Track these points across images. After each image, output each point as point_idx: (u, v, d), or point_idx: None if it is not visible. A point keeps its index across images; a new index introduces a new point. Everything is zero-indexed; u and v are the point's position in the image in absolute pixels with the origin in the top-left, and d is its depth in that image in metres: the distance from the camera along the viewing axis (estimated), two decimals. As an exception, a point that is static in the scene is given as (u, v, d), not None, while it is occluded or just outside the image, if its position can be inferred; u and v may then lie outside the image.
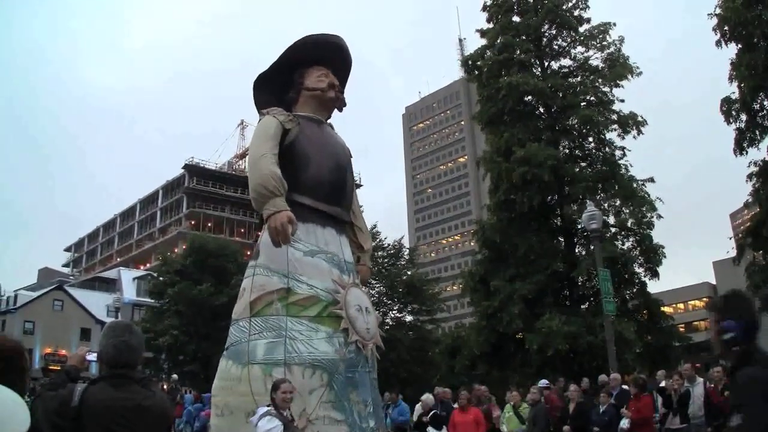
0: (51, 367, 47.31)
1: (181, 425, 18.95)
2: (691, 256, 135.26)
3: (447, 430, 13.60)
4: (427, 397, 14.95)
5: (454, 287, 76.99)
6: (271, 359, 7.86)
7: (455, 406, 14.37)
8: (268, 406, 6.60)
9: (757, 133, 25.69)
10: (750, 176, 26.12)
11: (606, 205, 27.68)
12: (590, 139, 30.12)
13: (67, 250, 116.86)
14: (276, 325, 8.01)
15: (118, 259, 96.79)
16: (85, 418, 3.39)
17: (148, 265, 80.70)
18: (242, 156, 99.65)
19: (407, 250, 45.42)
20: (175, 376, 28.93)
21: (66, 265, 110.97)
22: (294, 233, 7.90)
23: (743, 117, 25.89)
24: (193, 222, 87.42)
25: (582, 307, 27.76)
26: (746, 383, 3.21)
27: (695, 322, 61.11)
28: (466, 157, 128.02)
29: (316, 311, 8.15)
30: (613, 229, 28.10)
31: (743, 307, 3.39)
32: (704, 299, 66.19)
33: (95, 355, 3.92)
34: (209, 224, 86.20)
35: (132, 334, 3.77)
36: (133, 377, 3.67)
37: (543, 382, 13.58)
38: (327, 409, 7.64)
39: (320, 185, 8.71)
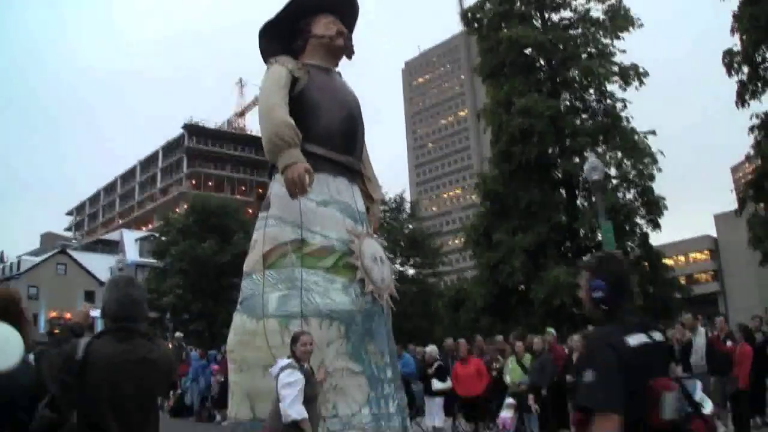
0: (56, 331, 47.34)
1: (188, 383, 19.05)
2: (692, 210, 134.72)
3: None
4: (432, 349, 15.01)
5: (456, 241, 77.10)
6: (287, 312, 7.75)
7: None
8: (288, 358, 6.49)
9: (759, 85, 25.59)
10: (752, 129, 26.05)
11: (607, 157, 27.51)
12: (591, 91, 29.81)
13: (69, 213, 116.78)
14: (291, 277, 7.87)
15: (120, 221, 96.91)
16: (90, 372, 3.39)
17: (150, 226, 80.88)
18: (241, 114, 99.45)
19: (408, 204, 45.51)
20: (179, 334, 29.09)
21: (68, 229, 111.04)
22: (311, 184, 7.72)
23: (745, 69, 25.81)
24: (193, 181, 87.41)
25: (584, 259, 27.79)
26: (593, 341, 3.33)
27: (696, 275, 61.44)
28: (466, 111, 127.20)
29: (332, 262, 8.03)
30: (614, 181, 28.02)
31: (613, 269, 3.43)
32: (705, 252, 66.44)
33: (99, 311, 3.92)
34: (210, 183, 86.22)
35: (135, 288, 3.78)
36: (137, 330, 3.65)
37: (552, 331, 13.59)
38: (345, 361, 7.58)
39: (332, 134, 8.53)
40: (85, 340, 3.54)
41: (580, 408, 3.21)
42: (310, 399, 6.32)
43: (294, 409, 6.02)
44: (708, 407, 3.47)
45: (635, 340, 3.12)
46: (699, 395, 3.42)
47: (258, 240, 8.42)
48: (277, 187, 8.33)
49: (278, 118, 7.82)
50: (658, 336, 3.28)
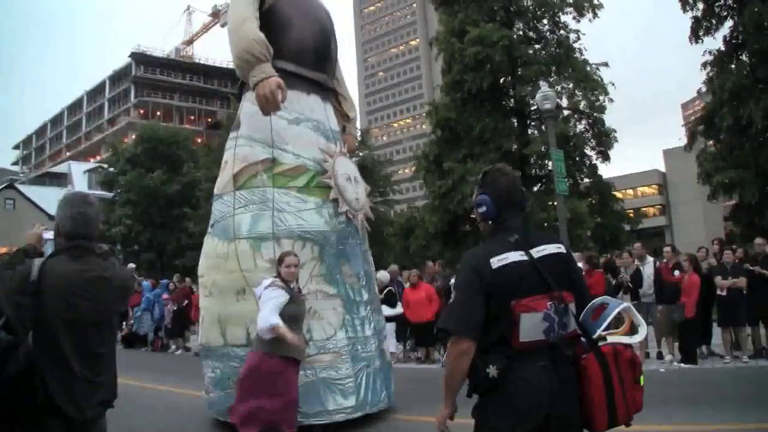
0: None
1: (139, 312, 18.90)
2: (641, 146, 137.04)
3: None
4: (382, 274, 15.04)
5: (406, 170, 77.31)
6: (259, 233, 7.68)
7: (407, 285, 14.45)
8: (274, 278, 6.31)
9: (713, 22, 25.84)
10: (704, 65, 26.35)
11: (559, 87, 27.63)
12: (545, 21, 29.82)
13: (16, 147, 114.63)
14: (262, 198, 7.80)
15: (68, 153, 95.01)
16: (46, 292, 3.30)
17: (98, 157, 79.40)
18: (189, 42, 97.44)
19: (359, 133, 45.16)
20: (132, 265, 28.85)
21: (15, 163, 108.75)
22: (284, 100, 7.58)
23: (700, 5, 26.12)
24: (141, 111, 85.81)
25: (533, 189, 28.05)
26: (462, 262, 3.22)
27: (644, 208, 62.46)
28: (418, 40, 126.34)
29: (304, 181, 7.96)
30: (566, 112, 28.23)
31: (498, 183, 3.29)
32: (654, 186, 67.49)
33: (51, 233, 3.80)
34: (158, 113, 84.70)
35: (89, 205, 3.64)
36: (92, 249, 3.57)
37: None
38: (319, 283, 7.53)
39: (304, 50, 8.37)
40: (40, 260, 3.45)
41: (441, 329, 3.11)
42: (295, 320, 6.19)
43: (270, 317, 5.82)
44: (642, 333, 3.39)
45: (500, 260, 3.04)
46: (636, 318, 3.34)
47: (228, 161, 8.30)
48: (247, 106, 8.20)
49: (248, 33, 7.59)
50: (541, 252, 3.14)
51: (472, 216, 27.55)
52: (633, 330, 3.34)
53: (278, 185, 7.83)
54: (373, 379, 7.95)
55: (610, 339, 3.19)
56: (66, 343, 3.34)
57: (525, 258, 3.09)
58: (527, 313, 2.98)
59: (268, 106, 7.41)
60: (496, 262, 3.03)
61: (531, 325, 2.98)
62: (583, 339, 3.17)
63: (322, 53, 8.66)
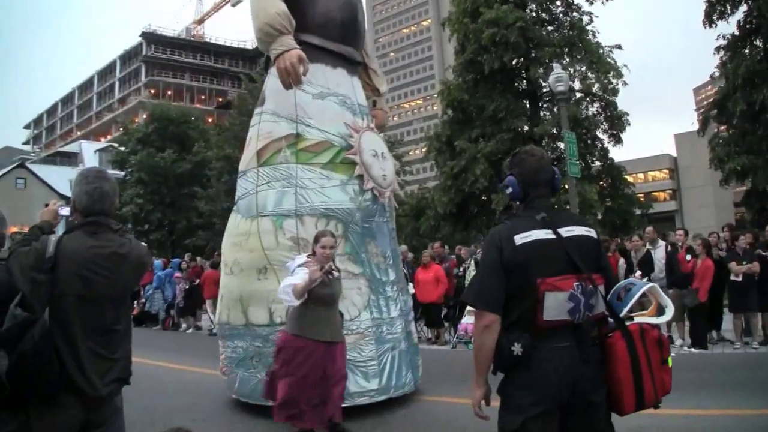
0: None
1: (150, 291, 18.99)
2: (652, 129, 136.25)
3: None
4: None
5: (416, 151, 77.04)
6: (281, 210, 7.52)
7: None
8: (308, 256, 6.07)
9: (728, 6, 25.57)
10: (718, 49, 26.12)
11: (572, 70, 27.44)
12: (557, 2, 29.53)
13: (27, 127, 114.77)
14: (285, 174, 7.64)
15: (79, 133, 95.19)
16: (62, 268, 3.28)
17: (108, 136, 79.60)
18: (200, 22, 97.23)
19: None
20: (143, 244, 28.93)
21: (26, 143, 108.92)
22: (305, 73, 7.41)
23: (715, -11, 25.68)
24: (152, 91, 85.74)
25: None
26: (486, 239, 3.28)
27: (654, 193, 62.13)
28: (429, 20, 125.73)
29: (328, 157, 7.78)
30: (578, 95, 28.07)
31: (525, 164, 3.34)
32: (665, 171, 67.06)
33: (67, 210, 3.78)
34: (169, 92, 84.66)
35: (105, 181, 3.61)
36: (108, 225, 3.54)
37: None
38: (343, 262, 7.24)
39: (330, 23, 8.15)
40: (55, 236, 3.43)
41: (464, 302, 3.25)
42: (330, 302, 6.00)
43: (285, 290, 5.68)
44: (669, 313, 3.38)
45: (524, 237, 3.07)
46: (663, 300, 3.35)
47: (252, 137, 8.14)
48: (272, 81, 7.98)
49: (270, 6, 7.44)
50: (570, 232, 3.17)
51: (483, 197, 27.59)
52: (660, 311, 3.37)
53: (302, 161, 7.68)
54: (399, 361, 7.78)
55: (637, 319, 3.22)
56: (81, 319, 3.33)
57: (552, 236, 3.10)
58: (552, 292, 2.98)
59: (289, 79, 7.25)
60: (519, 239, 3.06)
61: (555, 305, 2.99)
62: (609, 319, 3.19)
63: (349, 26, 8.42)
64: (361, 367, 7.32)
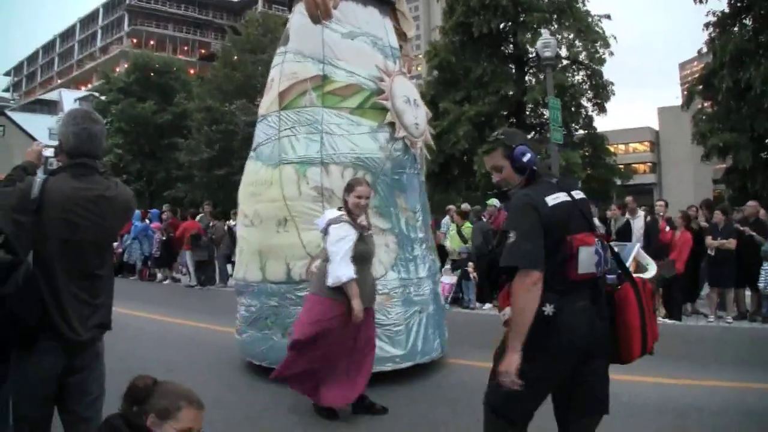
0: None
1: (129, 240, 18.91)
2: (635, 102, 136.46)
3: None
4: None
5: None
6: (305, 157, 7.00)
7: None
8: (339, 209, 5.59)
9: (719, -18, 25.48)
10: (707, 25, 26.05)
11: (560, 36, 27.34)
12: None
13: (6, 74, 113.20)
14: (310, 119, 7.13)
15: (59, 81, 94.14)
16: (47, 210, 3.19)
17: (89, 85, 78.60)
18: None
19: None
20: (128, 188, 28.73)
21: (6, 90, 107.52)
22: (336, 6, 6.98)
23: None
24: (135, 40, 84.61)
25: (528, 137, 27.92)
26: (516, 203, 3.34)
27: (634, 165, 62.44)
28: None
29: (358, 102, 7.24)
30: (565, 62, 28.02)
31: (521, 137, 3.56)
32: (646, 143, 67.30)
33: (51, 151, 3.69)
34: (152, 42, 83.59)
35: (94, 122, 3.50)
36: (95, 167, 3.46)
37: (496, 203, 13.55)
38: (371, 217, 6.55)
39: None
40: (41, 177, 3.34)
41: (503, 270, 3.28)
42: (364, 259, 5.54)
43: (342, 270, 5.24)
44: (651, 270, 3.56)
45: (554, 199, 3.25)
46: (644, 258, 3.51)
47: (274, 78, 7.61)
48: (297, 18, 7.54)
49: None
50: (578, 195, 3.41)
51: (464, 159, 27.57)
52: (642, 268, 3.56)
53: (328, 105, 7.13)
54: (426, 325, 7.24)
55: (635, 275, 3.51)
56: (65, 263, 3.27)
57: (569, 198, 3.33)
58: (584, 247, 3.20)
59: (317, 11, 6.76)
60: (551, 200, 3.24)
61: (587, 258, 3.20)
62: (608, 276, 3.45)
63: None
64: (386, 331, 6.79)
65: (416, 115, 7.59)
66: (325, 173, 6.87)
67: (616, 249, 3.61)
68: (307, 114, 7.13)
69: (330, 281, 5.28)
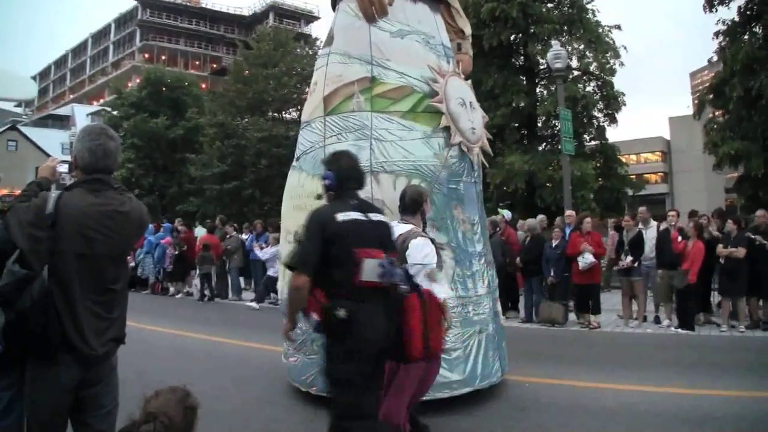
0: (5, 210, 46.50)
1: (141, 255, 18.94)
2: (647, 111, 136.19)
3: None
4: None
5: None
6: None
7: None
8: (402, 222, 5.03)
9: (729, -9, 25.48)
10: (717, 34, 26.03)
11: (570, 48, 27.29)
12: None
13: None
14: (359, 124, 6.62)
15: (71, 96, 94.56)
16: (61, 225, 3.24)
17: (101, 100, 79.02)
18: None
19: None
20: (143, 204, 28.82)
21: (18, 105, 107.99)
22: (392, 2, 6.66)
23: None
24: (146, 55, 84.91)
25: (539, 148, 27.90)
26: (311, 215, 4.06)
27: (646, 175, 62.26)
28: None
29: (409, 105, 6.70)
30: (575, 73, 27.96)
31: (342, 164, 4.30)
32: (658, 153, 67.09)
33: (66, 167, 3.72)
34: (163, 57, 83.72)
35: (109, 138, 3.54)
36: (109, 183, 3.51)
37: (507, 214, 13.52)
38: (429, 230, 6.01)
39: None
40: (56, 192, 3.36)
41: (286, 265, 4.27)
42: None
43: (446, 289, 4.94)
44: (441, 293, 4.46)
45: (345, 216, 3.96)
46: (424, 276, 4.36)
47: (318, 81, 7.15)
48: (342, 17, 7.15)
49: None
50: (375, 217, 4.16)
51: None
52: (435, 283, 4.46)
53: (378, 109, 6.64)
54: (486, 346, 6.68)
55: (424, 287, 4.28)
56: (80, 277, 3.30)
57: (364, 218, 4.06)
58: (369, 259, 3.85)
59: (372, 9, 6.55)
60: (341, 216, 3.96)
61: (371, 268, 3.85)
62: (402, 286, 4.06)
63: None
64: (443, 355, 5.66)
65: (472, 119, 7.14)
66: (375, 183, 6.33)
67: (407, 266, 4.28)
68: (354, 119, 6.68)
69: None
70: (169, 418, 2.51)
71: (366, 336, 3.81)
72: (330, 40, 7.23)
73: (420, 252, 4.72)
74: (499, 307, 7.67)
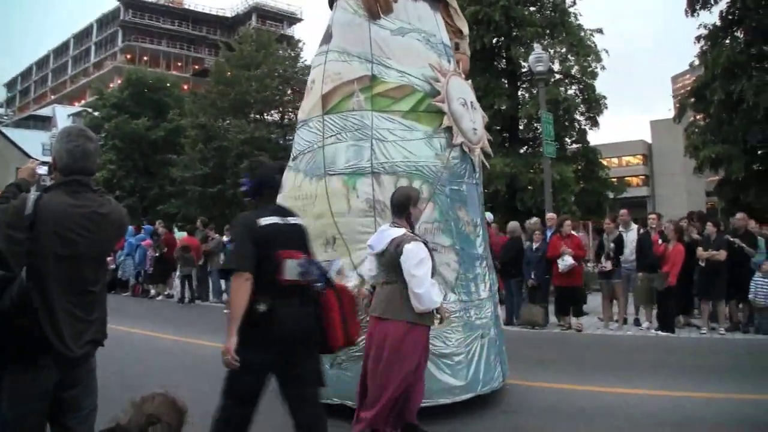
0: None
1: (122, 257, 18.86)
2: (628, 115, 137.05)
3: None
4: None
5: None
6: (355, 167, 6.34)
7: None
8: (394, 225, 5.06)
9: (711, -5, 25.65)
10: (698, 38, 26.20)
11: (552, 51, 27.36)
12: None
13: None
14: (358, 123, 6.47)
15: (53, 97, 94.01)
16: (40, 227, 3.22)
17: (83, 101, 78.58)
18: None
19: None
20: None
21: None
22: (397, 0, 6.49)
23: (698, -23, 25.72)
24: (129, 56, 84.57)
25: (521, 151, 27.93)
26: (236, 222, 4.44)
27: (628, 178, 62.64)
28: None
29: (410, 104, 6.57)
30: (557, 76, 28.03)
31: (260, 172, 4.49)
32: (639, 156, 67.55)
33: (45, 168, 3.71)
34: (145, 58, 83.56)
35: (88, 140, 3.53)
36: (88, 184, 3.49)
37: (489, 216, 13.52)
38: (432, 233, 6.16)
39: None
40: (35, 194, 3.36)
41: (224, 270, 4.53)
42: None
43: (436, 293, 4.89)
44: (350, 282, 5.25)
45: (265, 221, 4.18)
46: (335, 272, 4.68)
47: (316, 79, 6.97)
48: (340, 14, 7.01)
49: None
50: (293, 220, 4.40)
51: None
52: (345, 278, 5.21)
53: (378, 108, 6.49)
54: (487, 351, 6.55)
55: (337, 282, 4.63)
56: (59, 279, 3.28)
57: (282, 222, 4.30)
58: (290, 259, 4.13)
59: (377, 7, 6.48)
60: (263, 221, 4.19)
61: (291, 268, 4.13)
62: (318, 283, 4.34)
63: None
64: (445, 360, 6.11)
65: (474, 119, 7.06)
66: (376, 184, 6.24)
67: (322, 264, 4.58)
68: (354, 118, 6.51)
69: (423, 306, 4.81)
70: (171, 421, 2.52)
71: (282, 328, 4.05)
72: (328, 37, 7.07)
73: (415, 257, 4.76)
74: (500, 311, 7.68)
